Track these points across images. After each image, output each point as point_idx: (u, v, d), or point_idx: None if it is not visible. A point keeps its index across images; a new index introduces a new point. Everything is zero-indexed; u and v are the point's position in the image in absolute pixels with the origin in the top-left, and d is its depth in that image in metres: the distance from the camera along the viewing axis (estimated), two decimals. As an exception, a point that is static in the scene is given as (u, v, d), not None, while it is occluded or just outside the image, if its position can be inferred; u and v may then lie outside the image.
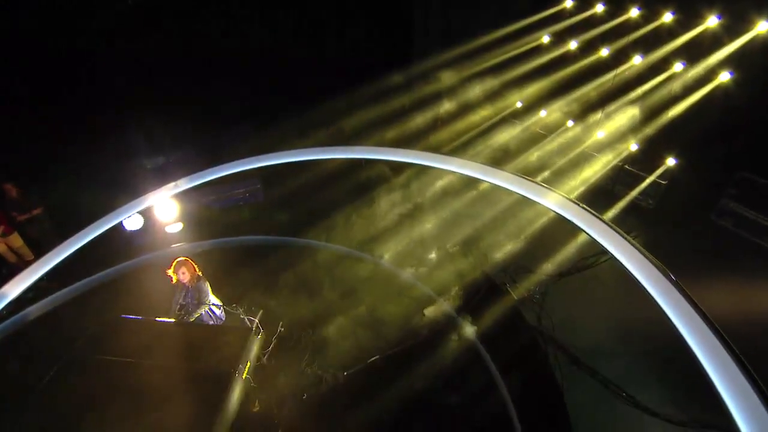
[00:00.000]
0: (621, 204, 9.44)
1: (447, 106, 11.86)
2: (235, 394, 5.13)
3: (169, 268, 6.05)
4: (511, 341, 7.06)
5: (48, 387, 5.11)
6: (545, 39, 10.86)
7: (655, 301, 4.51)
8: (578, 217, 5.99)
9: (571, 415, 6.06)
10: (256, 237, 9.50)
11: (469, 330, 7.19)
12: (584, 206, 5.95)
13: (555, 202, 6.46)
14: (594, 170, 9.87)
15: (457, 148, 11.42)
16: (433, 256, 8.66)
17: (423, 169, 9.81)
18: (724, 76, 8.03)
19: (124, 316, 5.97)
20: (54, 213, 8.96)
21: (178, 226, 9.27)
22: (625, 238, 5.12)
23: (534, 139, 11.26)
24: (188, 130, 10.42)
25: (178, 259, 6.07)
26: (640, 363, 6.71)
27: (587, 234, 5.83)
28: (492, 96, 11.49)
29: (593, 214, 5.78)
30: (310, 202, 9.67)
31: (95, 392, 4.93)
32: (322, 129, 10.67)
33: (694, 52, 8.29)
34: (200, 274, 6.17)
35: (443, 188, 9.94)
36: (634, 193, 9.47)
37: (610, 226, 5.51)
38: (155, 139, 10.41)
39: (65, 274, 7.84)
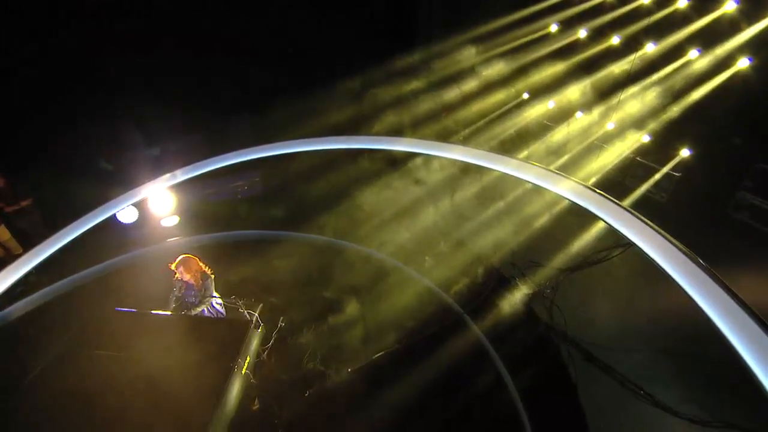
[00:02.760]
0: (632, 197, 9.15)
1: (450, 94, 11.57)
2: (234, 389, 4.86)
3: (173, 261, 5.85)
4: (522, 337, 6.82)
5: (35, 383, 4.87)
6: (553, 27, 10.58)
7: (685, 291, 4.15)
8: (595, 204, 5.66)
9: (586, 414, 5.78)
10: (254, 232, 9.23)
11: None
12: (601, 192, 5.64)
13: (569, 189, 6.12)
14: (604, 162, 9.59)
15: (464, 136, 11.16)
16: (440, 248, 8.39)
17: (428, 158, 9.54)
18: (743, 63, 7.75)
19: (117, 308, 5.73)
20: (44, 204, 8.69)
21: (174, 220, 8.97)
22: (647, 224, 4.81)
23: (539, 132, 10.99)
24: (187, 119, 10.11)
25: (182, 256, 5.87)
26: (658, 360, 6.46)
27: (605, 222, 5.51)
28: (497, 84, 11.21)
29: (611, 200, 5.47)
30: (309, 194, 9.41)
31: (86, 387, 4.68)
32: (326, 115, 10.41)
33: (710, 38, 8.02)
34: (206, 271, 5.96)
35: (447, 177, 9.68)
36: (647, 185, 9.20)
37: (630, 212, 5.20)
38: (150, 129, 10.11)
39: (55, 269, 7.63)
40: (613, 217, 5.35)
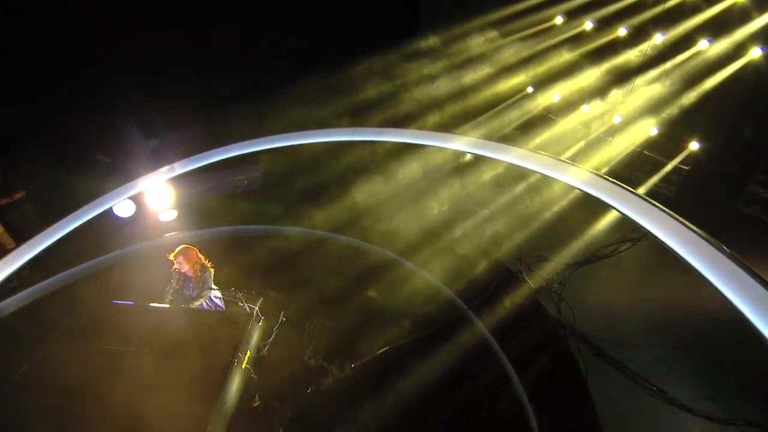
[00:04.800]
0: (639, 192, 8.95)
1: (451, 83, 11.37)
2: (234, 384, 4.67)
3: (171, 252, 5.72)
4: (530, 333, 6.65)
5: (27, 376, 4.77)
6: (558, 19, 10.39)
7: (708, 280, 3.95)
8: (605, 192, 5.48)
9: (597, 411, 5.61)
10: (254, 227, 9.06)
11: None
12: (612, 180, 5.47)
13: (580, 179, 5.93)
14: (610, 156, 9.42)
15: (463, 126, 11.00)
16: (444, 240, 8.26)
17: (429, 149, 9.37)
18: (755, 53, 7.56)
19: (114, 301, 5.63)
20: (37, 197, 8.48)
21: (173, 214, 8.76)
22: (664, 210, 4.62)
23: (542, 124, 10.82)
24: (187, 109, 9.90)
25: (182, 246, 5.74)
26: (671, 355, 6.30)
27: (618, 210, 5.33)
28: (498, 76, 11.05)
29: (623, 187, 5.29)
30: (312, 185, 9.23)
31: (81, 381, 4.55)
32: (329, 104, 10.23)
33: (720, 27, 7.84)
34: (205, 263, 5.84)
35: (450, 169, 9.52)
36: (654, 180, 9.02)
37: (644, 199, 5.02)
38: (148, 120, 9.89)
39: (49, 264, 7.44)
40: (628, 206, 5.16)
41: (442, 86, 11.14)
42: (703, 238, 4.09)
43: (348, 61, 10.52)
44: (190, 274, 5.64)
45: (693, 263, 4.04)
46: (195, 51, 9.60)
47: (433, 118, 10.68)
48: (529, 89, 11.10)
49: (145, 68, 9.35)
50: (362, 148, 9.70)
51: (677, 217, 4.49)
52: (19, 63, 8.73)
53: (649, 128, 9.02)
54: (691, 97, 8.30)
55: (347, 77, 10.60)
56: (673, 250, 4.34)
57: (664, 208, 4.68)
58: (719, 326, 6.01)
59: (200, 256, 5.77)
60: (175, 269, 5.67)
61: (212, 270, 5.81)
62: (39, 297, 7.35)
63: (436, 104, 10.96)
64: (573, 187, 6.16)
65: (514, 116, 11.02)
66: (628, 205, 5.06)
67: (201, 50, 9.65)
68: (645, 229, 4.78)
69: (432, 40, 11.12)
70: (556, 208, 8.47)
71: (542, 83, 10.70)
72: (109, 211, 7.81)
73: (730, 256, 3.81)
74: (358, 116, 10.17)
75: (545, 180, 8.62)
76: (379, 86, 10.88)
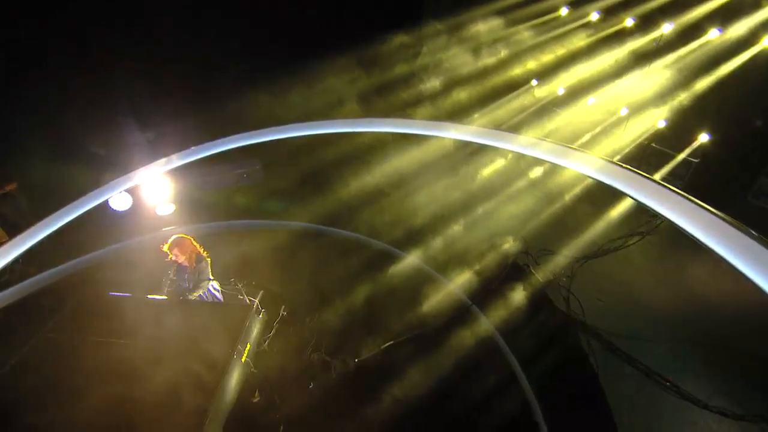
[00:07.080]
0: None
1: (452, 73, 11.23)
2: (234, 378, 4.47)
3: (165, 243, 5.52)
4: (538, 327, 6.49)
5: (18, 370, 4.59)
6: (563, 11, 10.26)
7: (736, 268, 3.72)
8: (618, 179, 5.25)
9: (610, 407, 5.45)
10: (253, 221, 8.92)
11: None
12: (625, 165, 5.24)
13: (587, 166, 5.73)
14: (616, 149, 9.26)
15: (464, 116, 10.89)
16: (447, 234, 8.12)
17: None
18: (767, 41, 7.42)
19: (112, 293, 5.49)
20: (30, 189, 8.38)
21: (170, 208, 8.55)
22: (681, 194, 4.40)
23: (545, 118, 10.69)
24: (187, 100, 9.74)
25: (175, 236, 5.55)
26: (684, 351, 6.14)
27: (632, 198, 5.12)
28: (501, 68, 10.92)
29: (635, 172, 5.07)
30: (310, 179, 9.07)
31: (77, 375, 4.42)
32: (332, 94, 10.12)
33: (730, 15, 7.71)
34: (202, 252, 5.65)
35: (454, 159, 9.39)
36: (662, 172, 8.86)
37: (660, 184, 4.80)
38: (145, 111, 9.72)
39: (42, 258, 7.37)
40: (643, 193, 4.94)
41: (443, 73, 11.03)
42: (729, 223, 3.85)
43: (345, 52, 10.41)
44: (185, 264, 5.44)
45: (720, 251, 3.79)
46: (194, 41, 9.45)
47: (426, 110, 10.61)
48: (534, 82, 10.97)
49: (143, 59, 9.18)
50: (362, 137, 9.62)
51: (700, 202, 4.27)
52: (14, 54, 8.57)
53: (657, 120, 8.87)
54: (700, 87, 8.18)
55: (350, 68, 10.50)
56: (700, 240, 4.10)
57: (686, 194, 4.45)
58: (733, 320, 5.93)
59: (195, 244, 5.57)
60: (170, 260, 5.47)
61: (208, 259, 5.61)
62: (32, 291, 7.17)
63: (430, 97, 10.87)
64: (583, 178, 5.95)
65: (515, 109, 10.91)
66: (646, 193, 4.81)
67: (200, 40, 9.49)
68: (664, 216, 4.54)
69: (434, 29, 11.00)
70: (564, 199, 8.34)
71: (545, 76, 10.57)
72: (105, 204, 7.61)
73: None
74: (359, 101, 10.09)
75: (548, 174, 8.51)
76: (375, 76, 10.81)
